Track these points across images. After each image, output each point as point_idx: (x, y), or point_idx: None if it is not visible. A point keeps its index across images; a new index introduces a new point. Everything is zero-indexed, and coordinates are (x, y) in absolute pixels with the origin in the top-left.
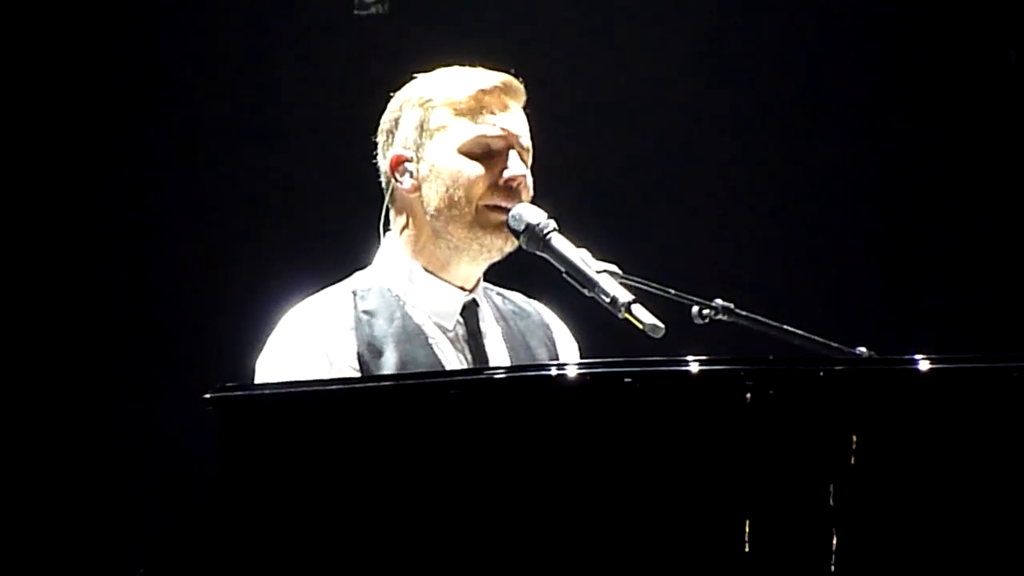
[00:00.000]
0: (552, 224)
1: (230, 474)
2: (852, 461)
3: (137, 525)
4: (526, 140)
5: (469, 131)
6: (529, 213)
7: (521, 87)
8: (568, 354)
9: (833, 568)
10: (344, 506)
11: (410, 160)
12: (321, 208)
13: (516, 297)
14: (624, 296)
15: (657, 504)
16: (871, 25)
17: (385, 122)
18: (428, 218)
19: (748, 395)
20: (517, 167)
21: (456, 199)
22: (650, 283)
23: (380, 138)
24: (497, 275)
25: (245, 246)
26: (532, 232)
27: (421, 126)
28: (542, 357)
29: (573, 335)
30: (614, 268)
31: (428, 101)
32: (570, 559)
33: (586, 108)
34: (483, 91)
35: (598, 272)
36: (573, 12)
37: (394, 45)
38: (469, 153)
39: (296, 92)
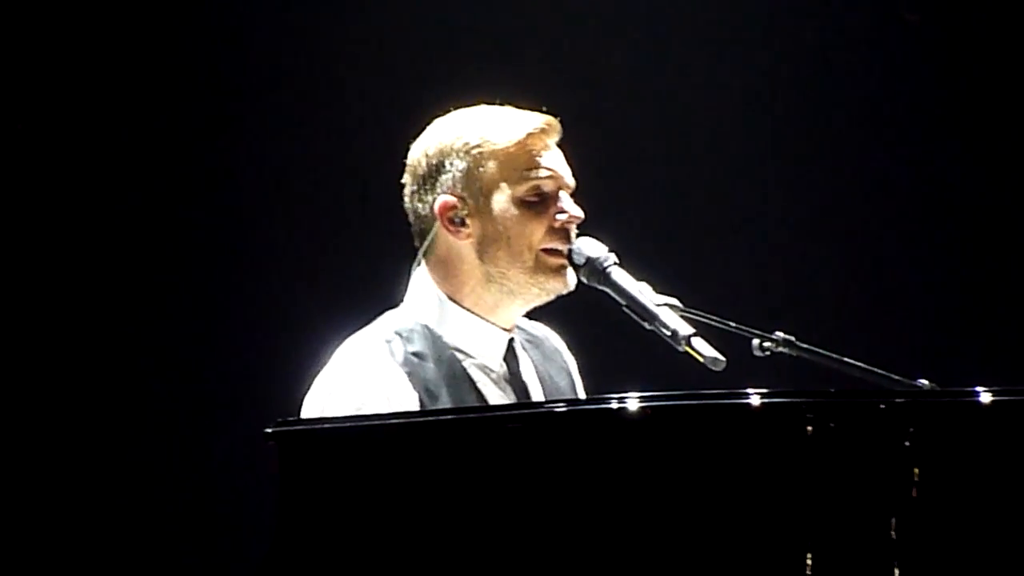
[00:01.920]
0: (612, 258)
1: (292, 508)
2: (914, 494)
3: (195, 559)
4: (571, 178)
5: (523, 181)
6: (589, 247)
7: (559, 124)
8: (579, 379)
9: None
10: (404, 540)
11: (459, 208)
12: (352, 244)
13: (525, 323)
14: (685, 329)
15: (719, 536)
16: (947, 55)
17: (421, 166)
18: (481, 263)
19: (809, 428)
20: (571, 208)
21: (517, 248)
22: (710, 316)
23: (415, 181)
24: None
25: (272, 282)
26: (592, 266)
27: (470, 175)
28: (563, 386)
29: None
30: (674, 301)
31: (475, 148)
32: None
33: (644, 140)
34: (529, 135)
35: (658, 305)
36: (630, 37)
37: (415, 77)
38: (523, 201)
39: (333, 129)
